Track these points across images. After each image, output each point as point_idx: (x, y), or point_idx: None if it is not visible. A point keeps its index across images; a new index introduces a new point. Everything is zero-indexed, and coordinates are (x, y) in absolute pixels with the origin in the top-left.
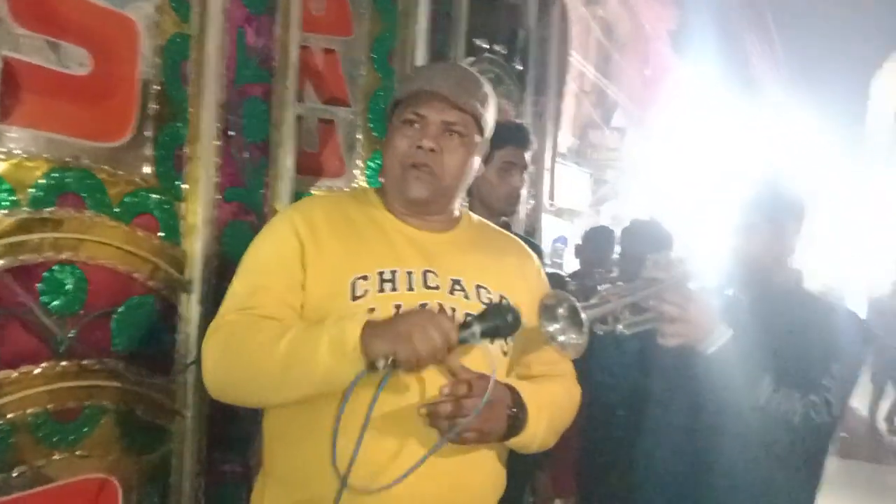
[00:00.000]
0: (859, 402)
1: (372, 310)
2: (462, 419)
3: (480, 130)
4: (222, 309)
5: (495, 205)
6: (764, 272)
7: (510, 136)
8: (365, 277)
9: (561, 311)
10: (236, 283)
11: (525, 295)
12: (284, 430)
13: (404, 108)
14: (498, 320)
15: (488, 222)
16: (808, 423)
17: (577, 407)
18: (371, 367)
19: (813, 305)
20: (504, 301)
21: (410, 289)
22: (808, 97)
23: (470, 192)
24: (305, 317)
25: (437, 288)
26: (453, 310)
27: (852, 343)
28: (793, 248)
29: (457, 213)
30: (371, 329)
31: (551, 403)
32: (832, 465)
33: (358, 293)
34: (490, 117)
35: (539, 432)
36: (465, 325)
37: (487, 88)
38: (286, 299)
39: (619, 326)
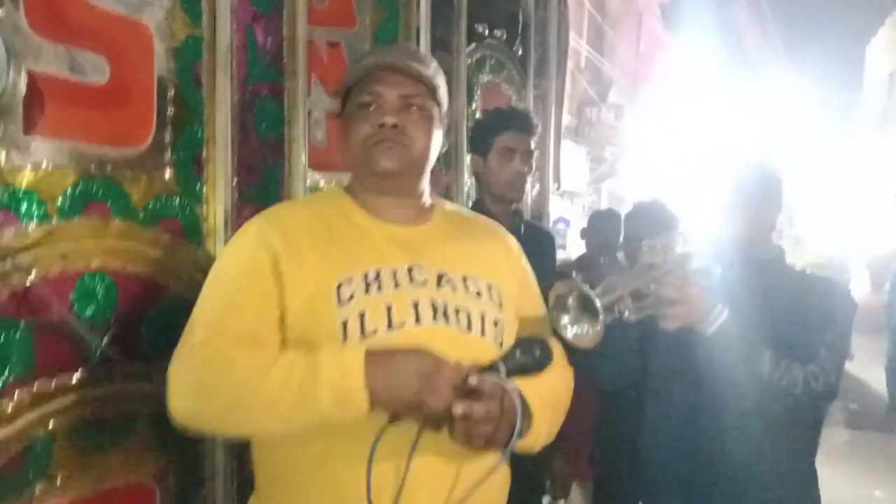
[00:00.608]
0: (869, 374)
1: (363, 314)
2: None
3: (438, 103)
4: (191, 329)
5: (498, 191)
6: (748, 251)
7: (509, 122)
8: (349, 280)
9: (571, 300)
10: (204, 299)
11: (511, 279)
12: (280, 455)
13: (357, 92)
14: (526, 358)
15: (462, 209)
16: (809, 392)
17: (571, 390)
18: (393, 418)
19: (798, 279)
20: (530, 336)
21: (397, 286)
22: (802, 67)
23: (478, 181)
24: (289, 328)
25: (424, 283)
26: (469, 321)
27: (839, 311)
28: (773, 225)
29: (427, 200)
30: (375, 389)
31: (553, 399)
32: (842, 436)
33: (344, 297)
34: (444, 91)
35: (542, 433)
36: (490, 368)
37: (436, 64)
38: (260, 315)
39: (626, 313)
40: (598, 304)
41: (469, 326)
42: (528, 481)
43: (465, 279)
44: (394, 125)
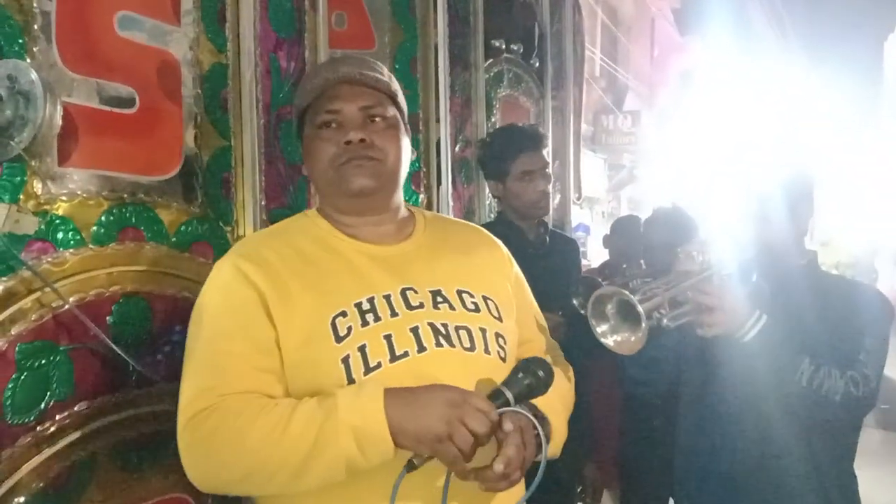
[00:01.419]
0: None
1: (363, 347)
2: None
3: (399, 110)
4: (189, 393)
5: (524, 211)
6: (782, 257)
7: (522, 144)
8: (343, 314)
9: (611, 307)
10: (196, 357)
11: (506, 286)
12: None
13: (315, 113)
14: (531, 379)
15: (442, 215)
16: (850, 398)
17: (573, 383)
18: (411, 467)
19: (833, 283)
20: (529, 357)
21: (395, 314)
22: (820, 64)
23: (499, 200)
24: (287, 373)
25: (421, 306)
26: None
27: (877, 316)
28: (805, 230)
29: (404, 212)
30: (400, 426)
31: (564, 402)
32: (874, 436)
33: (341, 333)
34: (402, 96)
35: (560, 440)
36: (495, 396)
37: (387, 69)
38: (260, 364)
39: (665, 321)
40: (640, 309)
41: (472, 345)
42: (560, 489)
43: (459, 294)
44: (360, 140)
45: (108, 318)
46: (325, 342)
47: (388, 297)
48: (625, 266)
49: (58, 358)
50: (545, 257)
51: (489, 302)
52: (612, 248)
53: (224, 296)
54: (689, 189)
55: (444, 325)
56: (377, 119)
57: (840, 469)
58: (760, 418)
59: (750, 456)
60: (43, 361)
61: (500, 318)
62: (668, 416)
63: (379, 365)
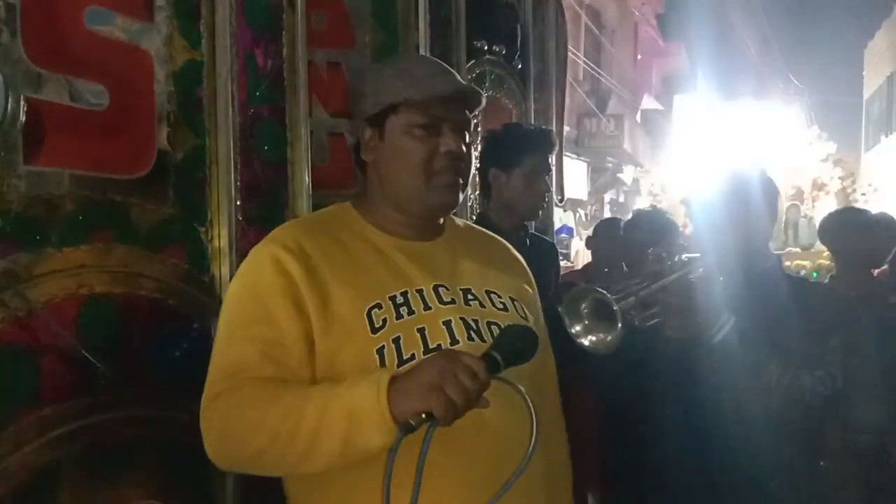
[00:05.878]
0: None
1: (398, 340)
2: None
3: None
4: (214, 375)
5: (522, 210)
6: (745, 260)
7: (539, 143)
8: (378, 306)
9: (585, 307)
10: (223, 339)
11: (530, 290)
12: (312, 483)
13: (414, 112)
14: (517, 343)
15: (468, 222)
16: (817, 396)
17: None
18: (406, 428)
19: (797, 286)
20: (513, 323)
21: (427, 308)
22: (800, 70)
23: (488, 197)
24: (320, 360)
25: (452, 302)
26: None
27: (841, 316)
28: (770, 235)
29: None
30: (397, 389)
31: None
32: None
33: (377, 324)
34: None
35: None
36: (485, 358)
37: None
38: (281, 351)
39: (636, 321)
40: (615, 308)
41: None
42: None
43: (488, 294)
44: (458, 156)
45: (75, 320)
46: (361, 333)
47: (420, 292)
48: (607, 270)
49: (21, 361)
50: (525, 260)
51: (516, 303)
52: (595, 250)
53: (254, 282)
54: (670, 191)
55: (475, 321)
56: (465, 134)
57: (809, 463)
58: (729, 417)
59: (722, 455)
60: (6, 365)
61: (526, 318)
62: (647, 418)
63: (413, 357)
